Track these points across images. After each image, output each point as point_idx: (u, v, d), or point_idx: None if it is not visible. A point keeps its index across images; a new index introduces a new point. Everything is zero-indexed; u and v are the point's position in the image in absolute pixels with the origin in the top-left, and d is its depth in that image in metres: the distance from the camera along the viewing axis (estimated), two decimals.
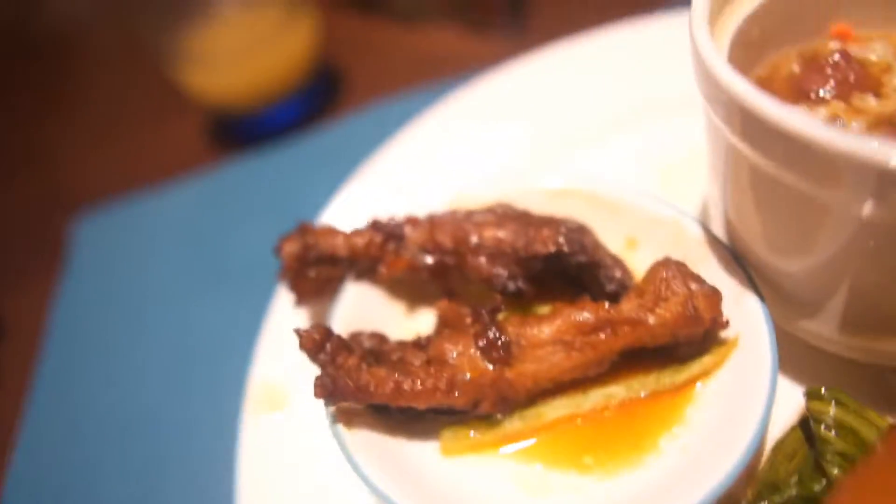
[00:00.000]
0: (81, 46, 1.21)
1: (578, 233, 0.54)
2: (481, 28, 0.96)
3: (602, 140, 0.68)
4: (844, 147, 0.39)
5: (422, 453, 0.49)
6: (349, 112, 0.93)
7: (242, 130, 0.95)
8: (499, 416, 0.49)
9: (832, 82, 0.53)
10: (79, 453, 0.64)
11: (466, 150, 0.73)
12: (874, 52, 0.55)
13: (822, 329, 0.51)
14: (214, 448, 0.57)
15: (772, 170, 0.44)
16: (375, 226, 0.55)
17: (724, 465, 0.42)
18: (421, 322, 0.56)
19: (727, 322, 0.48)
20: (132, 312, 0.75)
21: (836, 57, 0.54)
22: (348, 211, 0.67)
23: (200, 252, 0.78)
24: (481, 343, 0.48)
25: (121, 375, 0.69)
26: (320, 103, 0.97)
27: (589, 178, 0.60)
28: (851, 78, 0.53)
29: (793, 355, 0.51)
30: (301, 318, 0.59)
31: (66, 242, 0.87)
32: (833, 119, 0.50)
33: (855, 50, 0.55)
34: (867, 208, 0.42)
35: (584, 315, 0.48)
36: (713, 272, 0.51)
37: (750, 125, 0.44)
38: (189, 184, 0.88)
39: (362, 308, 0.56)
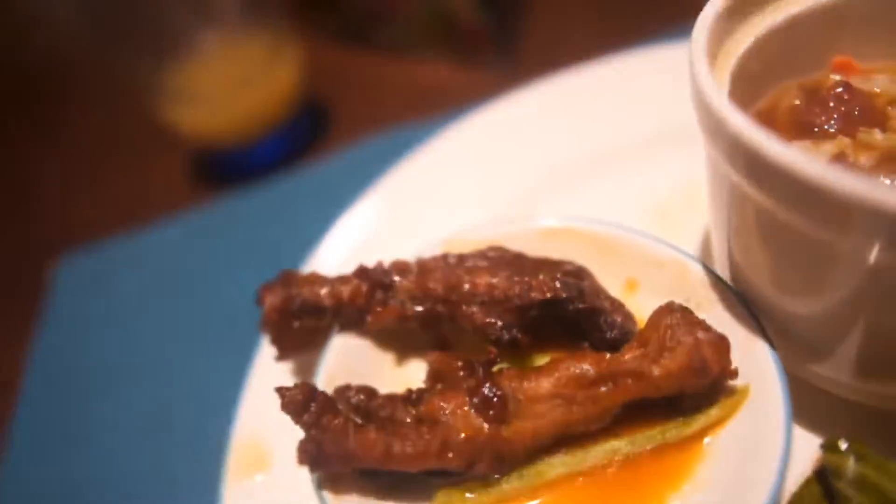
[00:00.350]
0: (60, 86, 1.19)
1: (576, 276, 0.51)
2: (470, 61, 0.95)
3: (597, 176, 0.66)
4: (853, 190, 0.37)
5: None
6: (337, 148, 0.91)
7: (227, 168, 0.93)
8: (496, 476, 0.46)
9: (836, 116, 0.51)
10: None
11: (458, 189, 0.70)
12: (877, 85, 0.53)
13: (836, 374, 0.48)
14: None
15: (778, 210, 0.42)
16: (362, 273, 0.53)
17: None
18: (412, 374, 0.53)
19: (736, 371, 0.46)
20: (110, 363, 0.72)
21: (839, 90, 0.52)
22: (335, 256, 0.65)
23: (182, 297, 0.76)
24: (476, 399, 0.45)
25: (97, 433, 0.65)
26: (307, 139, 0.94)
27: (585, 216, 0.57)
28: (856, 111, 0.51)
29: (806, 403, 0.48)
30: (285, 371, 0.56)
31: (45, 286, 0.84)
32: (840, 156, 0.48)
33: (857, 82, 0.53)
34: (879, 253, 0.39)
35: (585, 367, 0.45)
36: (719, 317, 0.49)
37: (754, 165, 0.41)
38: (171, 225, 0.85)
39: (349, 361, 0.52)
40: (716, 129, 0.43)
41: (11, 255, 0.95)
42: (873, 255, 0.39)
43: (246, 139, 0.88)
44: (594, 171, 0.67)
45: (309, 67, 0.93)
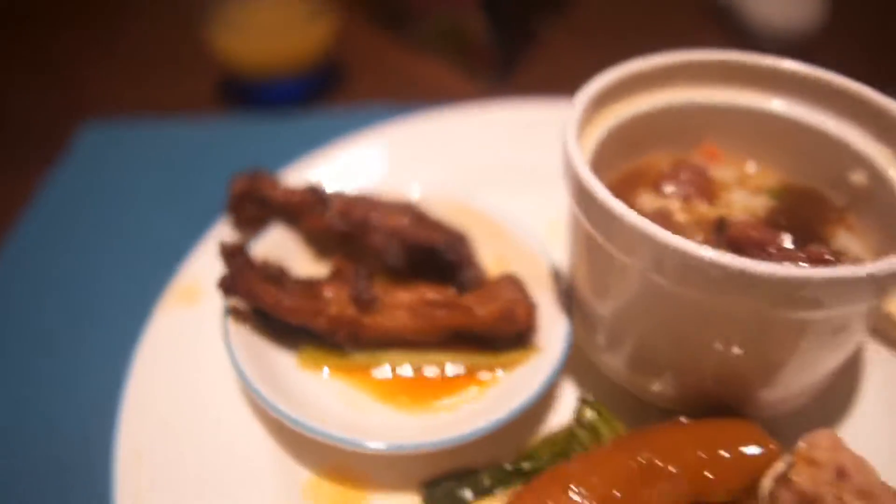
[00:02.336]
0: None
1: (458, 240, 0.69)
2: (471, 71, 1.13)
3: (515, 186, 0.82)
4: (639, 226, 0.53)
5: (283, 358, 0.64)
6: (340, 103, 1.10)
7: (249, 95, 1.10)
8: (348, 350, 0.64)
9: (682, 185, 0.68)
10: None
11: (417, 159, 0.88)
12: (723, 173, 0.70)
13: (615, 364, 0.65)
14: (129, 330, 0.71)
15: (596, 235, 0.58)
16: (311, 188, 0.71)
17: (503, 410, 0.57)
18: (319, 271, 0.71)
19: (536, 329, 0.63)
20: (107, 217, 0.89)
21: (694, 168, 0.69)
22: (304, 174, 0.83)
23: (177, 182, 0.93)
24: (352, 292, 0.63)
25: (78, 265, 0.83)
26: (319, 90, 1.13)
27: (491, 207, 0.75)
28: (697, 186, 0.68)
29: (592, 380, 0.66)
30: (233, 239, 0.73)
31: (69, 143, 1.02)
32: (664, 210, 0.65)
33: (712, 167, 0.70)
34: (651, 273, 0.56)
35: (434, 295, 0.63)
36: (546, 296, 0.66)
37: (586, 202, 0.57)
38: (189, 125, 1.03)
39: (279, 246, 0.70)
40: (566, 174, 0.59)
41: (50, 113, 1.13)
42: (647, 274, 0.55)
43: (271, 76, 1.06)
44: (519, 181, 0.83)
45: (340, 36, 1.12)
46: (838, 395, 0.66)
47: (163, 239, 0.82)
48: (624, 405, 0.64)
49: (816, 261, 0.57)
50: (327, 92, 1.14)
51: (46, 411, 0.67)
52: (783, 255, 0.58)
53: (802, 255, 0.58)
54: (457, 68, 1.15)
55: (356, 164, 0.86)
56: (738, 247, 0.59)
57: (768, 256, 0.58)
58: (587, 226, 0.57)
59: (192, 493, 0.56)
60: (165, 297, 0.70)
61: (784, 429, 0.58)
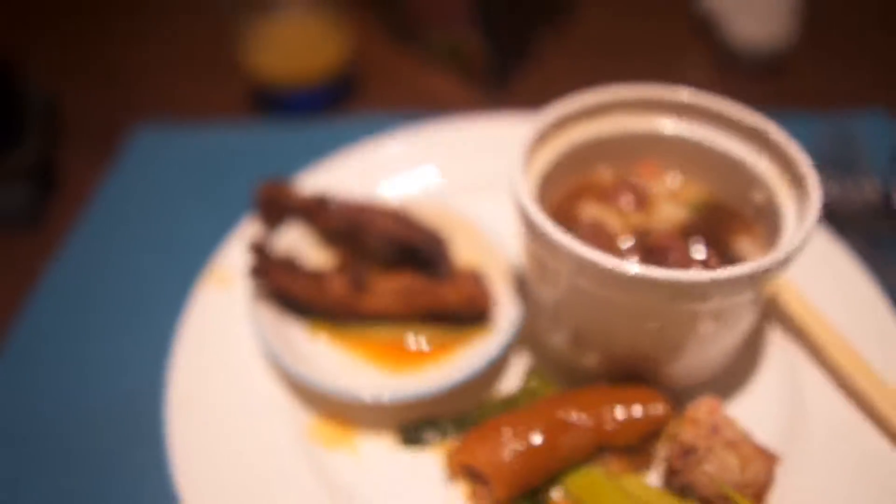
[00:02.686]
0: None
1: (436, 241, 0.85)
2: (470, 81, 1.28)
3: (494, 191, 0.94)
4: (560, 241, 0.68)
5: (296, 330, 0.82)
6: (356, 111, 1.27)
7: (275, 103, 1.28)
8: (347, 324, 0.81)
9: (622, 197, 0.83)
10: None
11: (416, 166, 1.04)
12: (658, 188, 0.85)
13: (557, 342, 0.81)
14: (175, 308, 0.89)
15: (532, 246, 0.73)
16: (320, 196, 0.88)
17: (462, 373, 0.74)
18: (327, 261, 0.89)
19: (494, 312, 0.80)
20: (157, 212, 1.08)
21: (633, 183, 0.84)
22: (318, 178, 1.00)
23: (214, 181, 1.11)
24: (350, 279, 0.80)
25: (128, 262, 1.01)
26: (338, 99, 1.29)
27: (466, 211, 0.91)
28: (634, 198, 0.83)
29: (544, 358, 0.82)
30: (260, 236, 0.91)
31: (124, 144, 1.21)
32: (599, 219, 0.80)
33: (649, 182, 0.85)
34: (575, 277, 0.70)
35: (413, 283, 0.80)
36: (504, 286, 0.83)
37: (527, 222, 0.71)
38: (224, 129, 1.21)
39: (295, 241, 0.88)
40: (512, 197, 0.75)
41: (106, 113, 1.32)
42: (570, 277, 0.71)
43: (295, 86, 1.23)
44: (492, 188, 0.96)
45: (356, 49, 1.28)
46: (737, 371, 0.81)
47: (202, 232, 0.99)
48: (563, 375, 0.81)
49: (706, 265, 0.72)
50: (346, 99, 1.31)
51: (109, 378, 0.85)
52: (685, 260, 0.73)
53: (697, 259, 0.74)
54: (458, 80, 1.30)
55: (362, 170, 1.03)
56: (652, 252, 0.74)
57: (674, 261, 0.73)
58: (528, 239, 0.73)
59: (227, 433, 0.75)
60: (202, 282, 0.88)
61: (687, 397, 0.74)
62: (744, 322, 0.74)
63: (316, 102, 1.26)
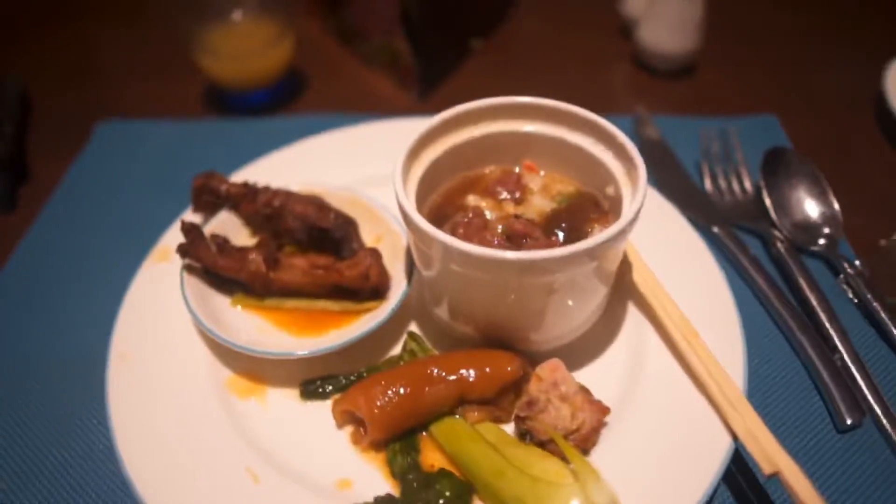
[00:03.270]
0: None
1: (344, 223, 0.99)
2: (402, 85, 1.42)
3: None
4: (432, 234, 0.81)
5: (220, 300, 0.96)
6: (299, 112, 1.41)
7: (227, 101, 1.41)
8: (263, 295, 0.95)
9: (502, 189, 0.97)
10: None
11: (339, 160, 1.18)
12: (534, 182, 0.99)
13: (440, 314, 0.94)
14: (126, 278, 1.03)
15: (414, 236, 0.87)
16: (246, 184, 1.02)
17: (353, 335, 0.88)
18: (252, 242, 1.03)
19: (388, 287, 0.94)
20: (115, 198, 1.22)
21: (513, 177, 0.98)
22: (256, 170, 1.14)
23: (169, 171, 1.24)
24: (265, 257, 0.94)
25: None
26: (285, 97, 1.43)
27: (374, 200, 1.04)
28: (511, 191, 0.97)
29: (430, 327, 0.96)
30: (194, 220, 1.05)
31: (89, 137, 1.34)
32: (477, 208, 0.94)
33: (527, 178, 0.99)
34: (446, 261, 0.84)
35: (319, 261, 0.94)
36: (399, 265, 0.97)
37: (400, 210, 0.85)
38: (179, 125, 1.35)
39: (226, 223, 1.02)
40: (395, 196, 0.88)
41: (79, 113, 1.46)
42: (442, 260, 0.85)
43: (244, 87, 1.37)
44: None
45: (300, 49, 1.42)
46: (592, 339, 0.95)
47: (155, 215, 1.12)
48: (444, 342, 0.95)
49: (551, 246, 0.86)
50: (292, 99, 1.45)
51: (67, 337, 1.01)
52: (539, 244, 0.87)
53: (553, 243, 0.88)
54: (392, 82, 1.44)
55: (295, 163, 1.17)
56: (511, 238, 0.88)
57: (529, 245, 0.86)
58: (407, 228, 0.87)
59: (158, 385, 0.89)
60: (148, 258, 1.02)
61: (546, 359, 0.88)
62: (591, 294, 0.88)
63: (264, 102, 1.40)
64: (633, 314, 0.97)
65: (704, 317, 0.92)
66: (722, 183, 1.20)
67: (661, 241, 1.04)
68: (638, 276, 0.97)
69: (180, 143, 1.32)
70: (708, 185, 1.20)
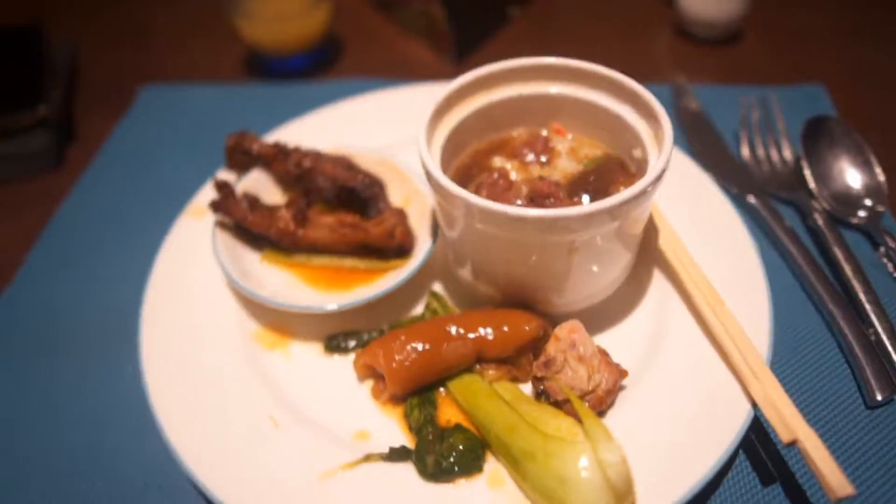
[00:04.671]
0: None
1: (372, 183, 1.00)
2: (438, 50, 1.42)
3: None
4: (457, 192, 0.81)
5: (251, 255, 0.99)
6: (335, 77, 1.42)
7: (267, 67, 1.44)
8: (292, 251, 0.98)
9: (529, 152, 0.96)
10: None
11: (372, 123, 1.19)
12: (562, 145, 0.98)
13: (464, 274, 0.95)
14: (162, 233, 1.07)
15: (437, 197, 0.86)
16: (277, 144, 1.04)
17: (375, 292, 0.89)
18: (281, 199, 1.05)
19: (413, 246, 0.95)
20: (158, 158, 1.26)
21: (541, 140, 0.97)
22: (292, 134, 1.16)
23: (211, 133, 1.25)
24: (294, 214, 0.96)
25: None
26: (323, 63, 1.45)
27: (403, 162, 1.05)
28: (539, 153, 0.96)
29: (455, 287, 0.97)
30: (228, 178, 1.08)
31: (133, 100, 1.39)
32: (503, 170, 0.93)
33: (556, 140, 0.98)
34: (469, 220, 0.84)
35: (346, 219, 0.96)
36: (425, 225, 0.98)
37: (433, 183, 0.85)
38: (221, 89, 1.38)
39: (258, 182, 1.05)
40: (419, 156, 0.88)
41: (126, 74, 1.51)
42: (467, 219, 0.84)
43: (283, 53, 1.39)
44: None
45: (340, 17, 1.43)
46: (615, 302, 0.94)
47: (192, 175, 1.16)
48: (467, 301, 0.96)
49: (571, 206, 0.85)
50: (329, 64, 1.46)
51: (108, 288, 1.05)
52: (561, 205, 0.86)
53: (568, 203, 0.87)
54: (429, 48, 1.44)
55: (329, 126, 1.19)
56: (534, 199, 0.88)
57: (551, 205, 0.86)
58: (430, 188, 0.87)
59: (188, 335, 0.92)
60: (183, 214, 1.06)
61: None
62: (615, 257, 0.87)
63: (301, 66, 1.42)
64: (658, 280, 0.96)
65: (732, 285, 0.91)
66: (760, 152, 1.16)
67: (692, 209, 1.02)
68: (664, 242, 0.95)
69: (219, 106, 1.35)
70: (746, 153, 1.16)
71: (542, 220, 0.77)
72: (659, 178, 0.80)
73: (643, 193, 0.78)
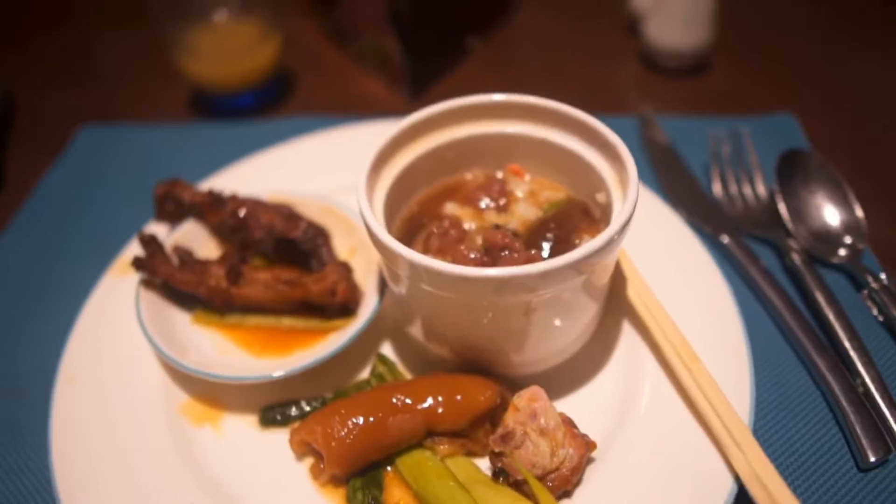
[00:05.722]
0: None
1: (315, 234, 0.92)
2: (392, 84, 1.34)
3: None
4: (396, 249, 0.71)
5: (181, 317, 0.89)
6: (286, 113, 1.34)
7: (210, 106, 1.35)
8: (225, 311, 0.88)
9: (485, 197, 0.88)
10: None
11: (318, 166, 1.11)
12: (520, 188, 0.90)
13: (413, 333, 0.86)
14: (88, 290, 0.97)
15: (378, 249, 0.77)
16: (211, 192, 0.95)
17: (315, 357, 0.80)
18: (217, 252, 0.96)
19: (358, 303, 0.86)
20: (90, 203, 1.16)
21: (497, 184, 0.90)
22: (227, 180, 1.07)
23: (148, 177, 1.17)
24: (227, 270, 0.87)
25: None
26: (272, 99, 1.36)
27: (349, 209, 0.97)
28: (495, 199, 0.88)
29: (404, 348, 0.88)
30: (157, 231, 0.98)
31: (69, 141, 1.29)
32: (455, 218, 0.85)
33: (513, 183, 0.90)
34: (415, 280, 0.74)
35: (284, 274, 0.87)
36: (373, 281, 0.89)
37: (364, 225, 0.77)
38: (161, 130, 1.29)
39: (190, 234, 0.95)
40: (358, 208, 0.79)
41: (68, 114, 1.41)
42: (410, 280, 0.76)
43: (230, 90, 1.31)
44: None
45: (294, 49, 1.35)
46: (583, 361, 0.86)
47: (126, 225, 1.06)
48: (420, 364, 0.87)
49: (531, 260, 0.77)
50: (280, 99, 1.38)
51: (20, 350, 0.95)
52: (519, 258, 0.78)
53: (535, 255, 0.79)
54: (383, 82, 1.36)
55: (270, 168, 1.10)
56: (489, 250, 0.79)
57: (507, 258, 0.78)
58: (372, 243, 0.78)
59: (106, 407, 0.82)
60: (109, 270, 0.96)
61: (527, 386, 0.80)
62: (578, 312, 0.79)
63: (249, 104, 1.34)
64: (627, 335, 0.88)
65: (708, 339, 0.83)
66: (733, 188, 1.10)
67: (662, 252, 0.95)
68: (633, 292, 0.87)
69: (158, 148, 1.26)
70: (717, 190, 1.10)
71: (494, 280, 0.69)
72: (625, 227, 0.72)
73: (609, 244, 0.70)
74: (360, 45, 1.40)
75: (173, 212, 0.97)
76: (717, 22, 1.33)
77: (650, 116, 1.23)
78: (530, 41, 1.51)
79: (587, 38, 1.51)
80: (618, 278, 0.89)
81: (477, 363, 0.82)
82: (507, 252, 0.79)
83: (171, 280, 0.86)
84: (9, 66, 1.53)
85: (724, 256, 1.00)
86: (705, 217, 1.05)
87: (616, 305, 0.89)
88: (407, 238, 0.85)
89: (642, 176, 1.03)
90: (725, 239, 1.01)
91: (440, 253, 0.81)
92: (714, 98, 1.33)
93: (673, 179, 1.12)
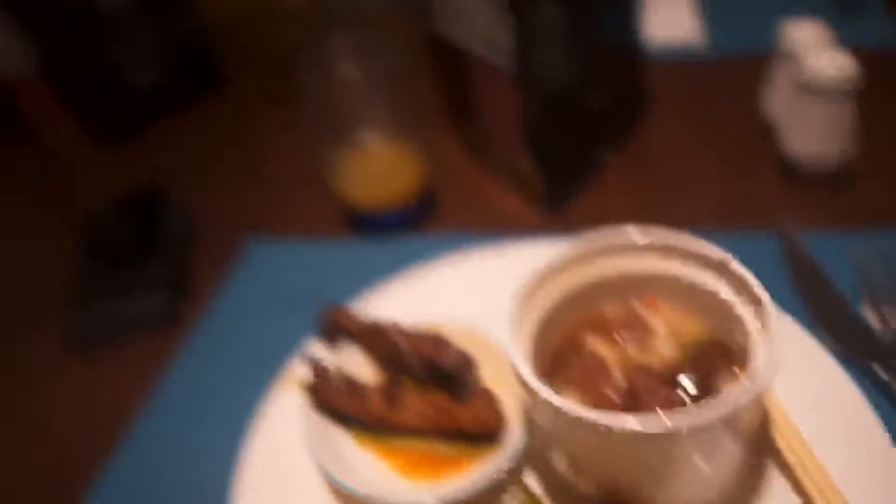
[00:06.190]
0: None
1: (464, 363, 0.99)
2: (531, 200, 1.42)
3: None
4: (542, 395, 0.78)
5: (344, 439, 0.98)
6: (432, 232, 1.44)
7: (361, 224, 1.49)
8: (385, 434, 0.97)
9: (623, 332, 0.93)
10: None
11: (463, 290, 1.19)
12: (659, 324, 0.93)
13: (554, 464, 0.89)
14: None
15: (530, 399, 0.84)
16: (373, 322, 1.05)
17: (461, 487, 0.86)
18: (369, 374, 1.06)
19: (505, 432, 0.92)
20: (262, 321, 1.31)
21: (636, 318, 0.93)
22: (382, 301, 1.18)
23: (310, 293, 1.28)
24: (385, 396, 0.96)
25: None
26: (419, 217, 1.47)
27: (495, 337, 1.03)
28: (634, 335, 0.92)
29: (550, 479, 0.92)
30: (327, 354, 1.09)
31: (239, 256, 1.46)
32: (596, 353, 0.89)
33: (651, 319, 0.94)
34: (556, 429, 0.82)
35: (434, 401, 0.94)
36: (517, 408, 0.94)
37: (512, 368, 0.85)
38: (321, 246, 1.44)
39: (350, 359, 1.06)
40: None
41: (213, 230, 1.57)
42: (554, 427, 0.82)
43: (379, 209, 1.44)
44: None
45: (432, 168, 1.46)
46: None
47: (293, 340, 1.19)
48: (565, 497, 0.90)
49: (672, 403, 0.79)
50: (427, 218, 1.48)
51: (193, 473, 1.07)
52: (661, 403, 0.81)
53: (678, 401, 0.81)
54: (521, 197, 1.44)
55: (419, 291, 1.20)
56: (630, 394, 0.83)
57: (648, 404, 0.81)
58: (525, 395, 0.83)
59: None
60: (275, 387, 1.08)
61: None
62: (727, 457, 0.80)
63: (398, 223, 1.45)
64: (774, 480, 0.87)
65: (867, 495, 0.81)
66: (887, 311, 1.06)
67: (807, 388, 0.93)
68: (780, 436, 0.87)
69: (319, 264, 1.40)
70: (870, 315, 1.07)
71: (636, 433, 0.72)
72: (772, 376, 0.74)
73: (757, 394, 0.73)
74: (496, 158, 1.49)
75: (335, 335, 1.08)
76: (862, 130, 1.31)
77: (792, 233, 1.22)
78: (662, 153, 1.55)
79: (721, 148, 1.52)
80: (761, 416, 0.89)
81: (622, 501, 0.85)
82: (647, 395, 0.82)
83: (340, 408, 0.96)
84: (183, 182, 1.71)
85: (880, 392, 0.97)
86: (857, 346, 1.02)
87: (760, 447, 0.89)
88: (550, 374, 0.90)
89: (784, 297, 1.03)
90: (878, 369, 0.98)
91: (580, 388, 0.86)
92: (860, 210, 1.30)
93: (820, 303, 1.10)
